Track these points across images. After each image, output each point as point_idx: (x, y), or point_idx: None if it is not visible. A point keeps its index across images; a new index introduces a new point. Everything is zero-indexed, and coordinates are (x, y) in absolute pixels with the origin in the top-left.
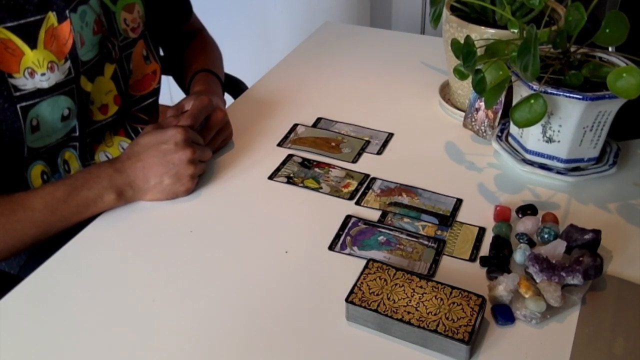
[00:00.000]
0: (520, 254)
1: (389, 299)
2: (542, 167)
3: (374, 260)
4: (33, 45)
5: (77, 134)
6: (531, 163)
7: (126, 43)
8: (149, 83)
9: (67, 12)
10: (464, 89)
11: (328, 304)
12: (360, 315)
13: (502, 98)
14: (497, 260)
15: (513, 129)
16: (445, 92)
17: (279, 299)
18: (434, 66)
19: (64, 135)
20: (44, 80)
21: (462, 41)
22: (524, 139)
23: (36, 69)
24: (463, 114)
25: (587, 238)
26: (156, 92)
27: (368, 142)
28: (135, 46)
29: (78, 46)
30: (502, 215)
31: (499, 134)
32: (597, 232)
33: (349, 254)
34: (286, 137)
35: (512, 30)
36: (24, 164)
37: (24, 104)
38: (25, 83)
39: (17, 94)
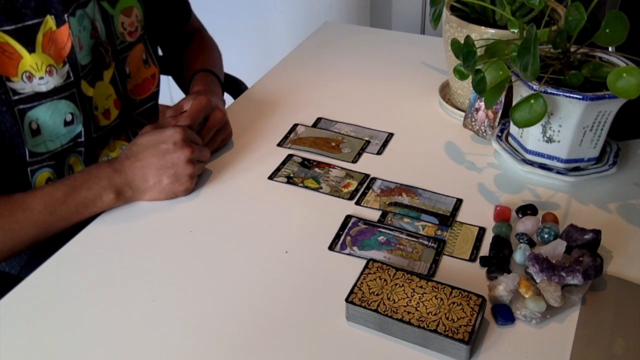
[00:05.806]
0: (520, 254)
1: (389, 299)
2: (542, 167)
3: (374, 260)
4: (31, 49)
5: (83, 139)
6: (531, 163)
7: (123, 47)
8: (148, 87)
9: (65, 15)
10: (464, 89)
11: (328, 304)
12: (360, 315)
13: (502, 98)
14: (497, 260)
15: (513, 129)
16: (445, 92)
17: (279, 298)
18: (434, 66)
19: (69, 140)
20: (42, 84)
21: (462, 41)
22: (524, 139)
23: (34, 73)
24: (463, 114)
25: (587, 238)
26: (155, 95)
27: (368, 142)
28: (134, 50)
29: (77, 50)
30: (502, 215)
31: (499, 134)
32: (597, 232)
33: (349, 254)
34: (286, 137)
35: (512, 30)
36: (29, 170)
37: (21, 106)
38: (24, 87)
39: (16, 97)
